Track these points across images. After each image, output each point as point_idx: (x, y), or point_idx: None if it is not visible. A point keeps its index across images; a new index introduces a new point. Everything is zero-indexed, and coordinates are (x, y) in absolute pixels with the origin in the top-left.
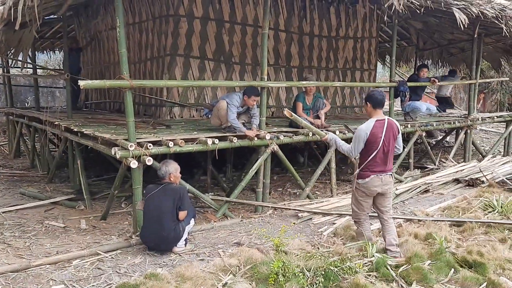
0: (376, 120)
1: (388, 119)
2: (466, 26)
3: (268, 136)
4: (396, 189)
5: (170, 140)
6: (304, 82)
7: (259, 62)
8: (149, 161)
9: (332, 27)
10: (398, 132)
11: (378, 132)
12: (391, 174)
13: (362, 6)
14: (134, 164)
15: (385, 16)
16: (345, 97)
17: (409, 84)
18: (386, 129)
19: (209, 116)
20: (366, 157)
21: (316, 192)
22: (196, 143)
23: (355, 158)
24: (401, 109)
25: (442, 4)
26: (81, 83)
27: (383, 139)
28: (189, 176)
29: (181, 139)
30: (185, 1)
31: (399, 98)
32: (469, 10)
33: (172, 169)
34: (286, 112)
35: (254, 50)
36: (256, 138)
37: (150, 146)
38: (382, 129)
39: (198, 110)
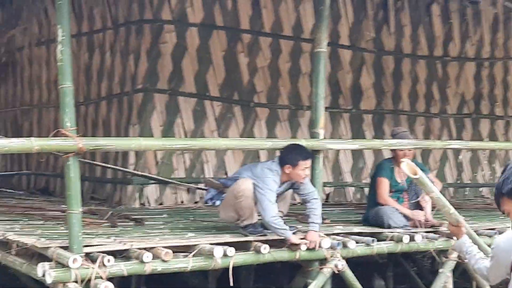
0: None
1: None
2: None
3: (326, 244)
4: None
5: (145, 249)
6: (394, 141)
7: (305, 103)
8: None
9: (436, 40)
10: None
11: None
12: None
13: (491, 3)
14: None
15: None
16: (462, 168)
17: None
18: None
19: (217, 203)
20: None
21: None
22: (194, 255)
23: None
24: None
25: None
26: None
27: None
28: None
29: (165, 247)
30: None
31: None
32: None
33: None
34: (405, 165)
35: (294, 80)
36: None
37: (108, 260)
38: None
39: (192, 190)
